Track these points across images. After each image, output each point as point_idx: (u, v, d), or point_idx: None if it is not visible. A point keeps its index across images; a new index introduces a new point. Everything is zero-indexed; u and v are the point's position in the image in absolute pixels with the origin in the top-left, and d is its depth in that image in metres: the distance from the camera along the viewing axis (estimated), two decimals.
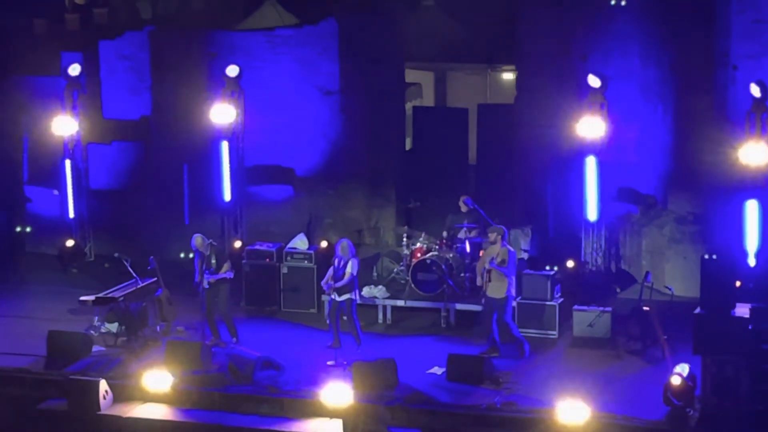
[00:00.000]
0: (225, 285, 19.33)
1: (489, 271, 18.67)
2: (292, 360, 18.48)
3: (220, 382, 17.82)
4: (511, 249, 18.80)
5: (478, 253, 21.41)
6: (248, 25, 26.14)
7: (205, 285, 19.09)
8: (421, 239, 21.54)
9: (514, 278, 18.88)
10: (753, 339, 16.24)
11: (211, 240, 19.58)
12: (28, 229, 25.30)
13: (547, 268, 20.69)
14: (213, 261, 19.20)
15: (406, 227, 22.22)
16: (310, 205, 24.43)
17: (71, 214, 24.72)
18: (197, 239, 19.31)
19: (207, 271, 19.10)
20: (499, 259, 18.62)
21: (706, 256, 16.68)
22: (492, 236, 18.87)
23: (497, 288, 18.66)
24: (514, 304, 19.28)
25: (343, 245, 18.92)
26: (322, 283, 19.20)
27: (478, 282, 19.12)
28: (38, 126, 24.97)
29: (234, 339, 19.45)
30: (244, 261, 21.47)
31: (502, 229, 18.89)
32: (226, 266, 19.28)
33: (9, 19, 25.99)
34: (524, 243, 22.28)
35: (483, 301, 19.13)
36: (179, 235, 24.20)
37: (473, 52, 27.81)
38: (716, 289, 16.53)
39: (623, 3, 22.18)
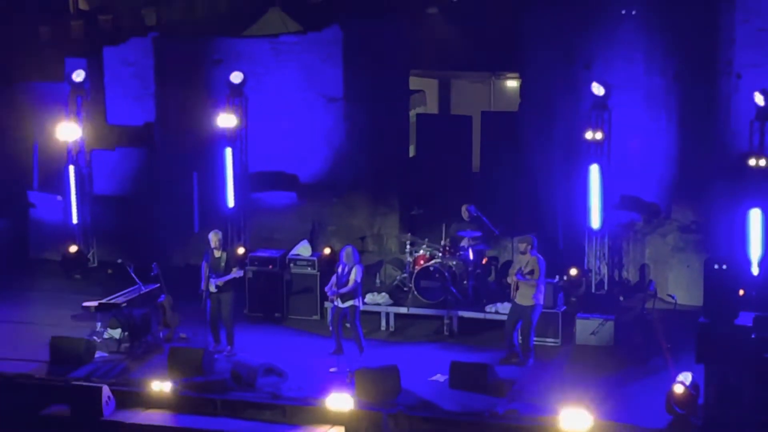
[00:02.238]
0: (231, 292, 19.28)
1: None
2: (295, 367, 18.46)
3: (222, 388, 17.81)
4: (541, 257, 18.76)
5: (481, 260, 21.45)
6: (253, 32, 26.17)
7: (213, 288, 19.07)
8: (424, 247, 21.54)
9: (543, 286, 18.84)
10: (756, 347, 16.22)
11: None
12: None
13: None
14: (222, 264, 19.16)
15: (409, 234, 22.21)
16: (313, 211, 24.42)
17: (75, 220, 24.74)
18: (216, 235, 19.24)
19: (213, 276, 19.08)
20: (528, 268, 18.57)
21: (716, 266, 16.62)
22: (522, 246, 18.83)
23: (525, 295, 18.64)
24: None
25: (348, 252, 18.91)
26: (326, 289, 19.20)
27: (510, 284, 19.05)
28: (42, 132, 25.00)
29: (229, 347, 19.40)
30: (246, 267, 21.47)
31: (531, 238, 18.84)
32: (234, 270, 19.24)
33: (14, 25, 26.04)
34: None
35: (510, 307, 19.12)
36: (183, 242, 24.25)
37: (477, 59, 27.79)
38: (719, 298, 16.51)
39: (633, 12, 22.18)
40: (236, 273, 19.23)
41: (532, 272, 18.56)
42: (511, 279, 18.90)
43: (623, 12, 22.28)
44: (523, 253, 18.79)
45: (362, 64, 24.21)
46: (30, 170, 25.38)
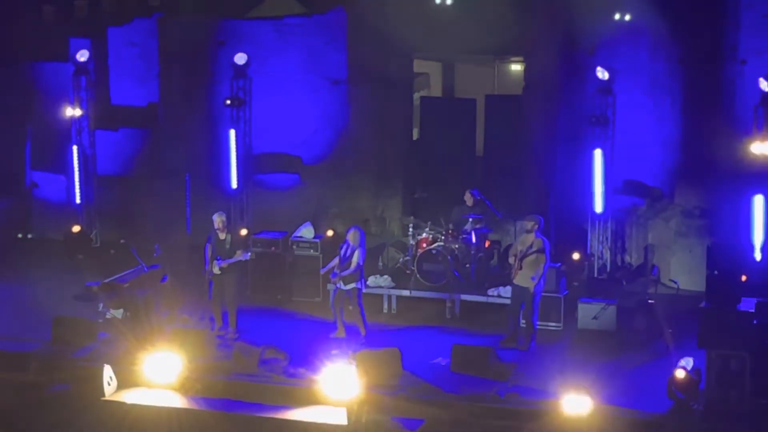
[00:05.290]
0: (234, 275, 19.26)
1: (521, 259, 18.64)
2: (297, 348, 18.48)
3: (224, 369, 17.84)
4: (546, 239, 18.76)
5: (484, 244, 21.44)
6: (257, 14, 26.11)
7: (216, 271, 19.06)
8: (427, 229, 21.54)
9: (546, 267, 18.82)
10: (758, 333, 16.23)
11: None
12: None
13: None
14: (227, 247, 19.13)
15: (412, 217, 22.22)
16: (316, 194, 24.42)
17: (78, 200, 24.76)
18: (220, 217, 19.20)
19: (218, 258, 19.07)
20: (533, 249, 18.60)
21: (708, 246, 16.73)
22: (529, 225, 18.81)
23: (527, 277, 18.65)
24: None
25: (354, 233, 18.90)
26: (322, 271, 19.23)
27: (512, 264, 19.04)
28: (46, 112, 24.99)
29: (231, 329, 19.39)
30: (249, 249, 21.44)
31: (539, 218, 18.85)
32: (239, 252, 19.23)
33: (18, 4, 25.99)
34: None
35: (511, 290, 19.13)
36: (186, 223, 24.24)
37: (481, 43, 27.70)
38: (722, 283, 16.52)
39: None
40: (243, 256, 19.22)
41: (539, 251, 18.53)
42: (513, 259, 18.89)
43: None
44: (529, 231, 18.77)
45: (366, 47, 24.17)
46: (33, 149, 25.43)
